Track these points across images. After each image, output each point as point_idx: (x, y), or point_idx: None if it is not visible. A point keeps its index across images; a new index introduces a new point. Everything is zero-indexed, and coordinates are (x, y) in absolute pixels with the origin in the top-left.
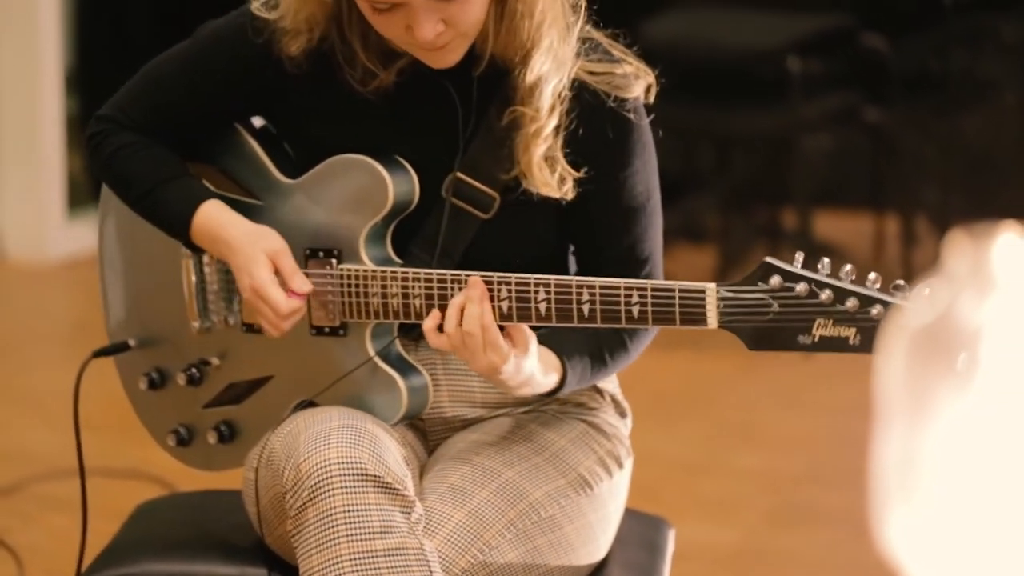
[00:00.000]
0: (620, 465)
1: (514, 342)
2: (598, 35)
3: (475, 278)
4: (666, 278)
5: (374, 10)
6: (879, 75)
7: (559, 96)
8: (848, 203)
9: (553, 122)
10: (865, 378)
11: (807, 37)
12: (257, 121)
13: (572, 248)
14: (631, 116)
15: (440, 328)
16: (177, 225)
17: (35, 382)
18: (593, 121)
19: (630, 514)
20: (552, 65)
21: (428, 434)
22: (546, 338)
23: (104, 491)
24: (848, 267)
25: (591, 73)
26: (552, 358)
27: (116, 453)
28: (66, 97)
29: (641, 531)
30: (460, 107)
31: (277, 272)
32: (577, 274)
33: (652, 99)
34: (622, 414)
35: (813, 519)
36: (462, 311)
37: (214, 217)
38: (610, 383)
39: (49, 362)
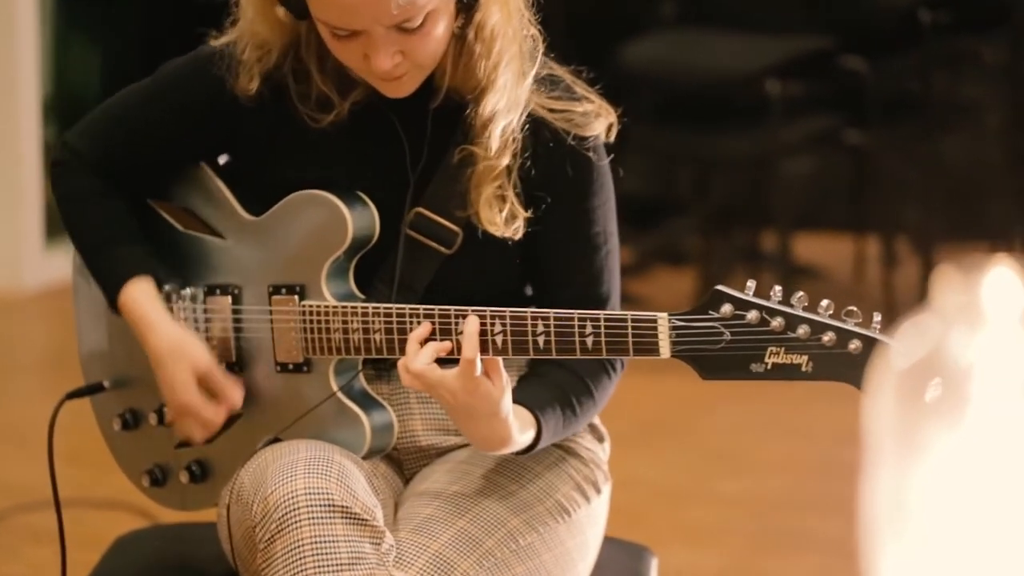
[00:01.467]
0: (598, 490)
1: (491, 378)
2: (561, 71)
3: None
4: (646, 304)
5: (333, 36)
6: (859, 98)
7: (511, 135)
8: (829, 225)
9: (504, 161)
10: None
11: (787, 60)
12: (222, 157)
13: (530, 290)
14: (591, 155)
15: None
16: (105, 290)
17: (12, 413)
18: (551, 158)
19: (613, 542)
20: (504, 105)
21: (403, 464)
22: (517, 392)
23: (84, 522)
24: (800, 294)
25: (550, 110)
26: (525, 414)
27: (95, 483)
28: (44, 125)
29: (624, 560)
30: (406, 141)
31: (204, 384)
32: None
33: (613, 138)
34: (599, 439)
35: (797, 545)
36: (419, 345)
37: (137, 307)
38: None
39: (26, 393)
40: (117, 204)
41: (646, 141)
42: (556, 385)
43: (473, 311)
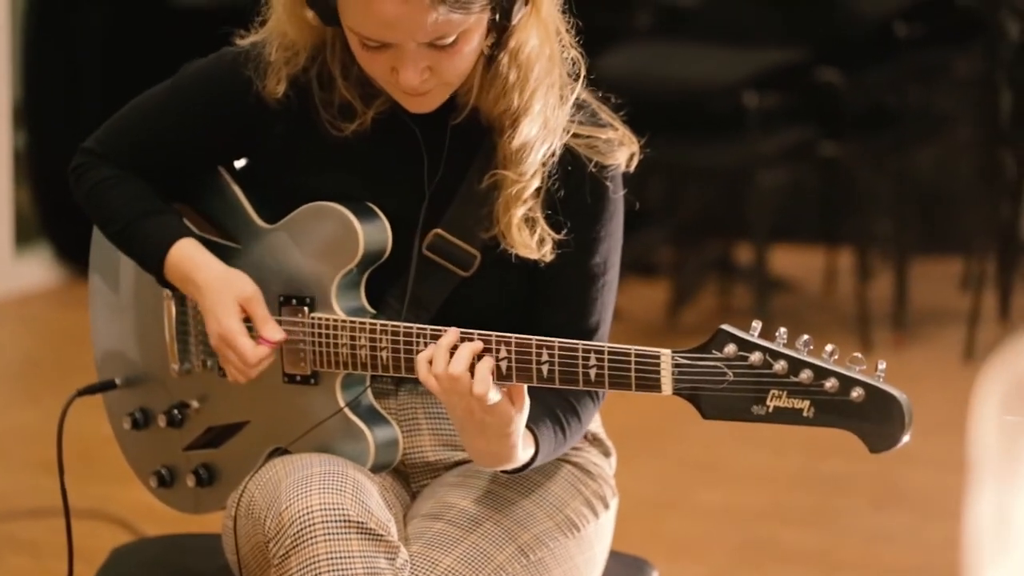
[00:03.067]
0: (606, 505)
1: (512, 400)
2: (587, 96)
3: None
4: (617, 313)
5: (363, 46)
6: (834, 110)
7: (544, 160)
8: (802, 238)
9: (535, 184)
10: None
11: (763, 72)
12: (239, 161)
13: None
14: (608, 184)
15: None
16: (151, 261)
17: None
18: (573, 183)
19: (612, 555)
20: (539, 130)
21: (410, 478)
22: None
23: (63, 531)
24: (805, 337)
25: (575, 135)
26: (525, 432)
27: (76, 493)
28: (14, 131)
29: (624, 573)
30: (427, 157)
31: (247, 318)
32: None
33: (633, 168)
34: (606, 453)
35: (780, 557)
36: (449, 352)
37: (187, 257)
38: (593, 422)
39: (0, 402)
40: (143, 185)
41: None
42: (548, 405)
43: (479, 335)
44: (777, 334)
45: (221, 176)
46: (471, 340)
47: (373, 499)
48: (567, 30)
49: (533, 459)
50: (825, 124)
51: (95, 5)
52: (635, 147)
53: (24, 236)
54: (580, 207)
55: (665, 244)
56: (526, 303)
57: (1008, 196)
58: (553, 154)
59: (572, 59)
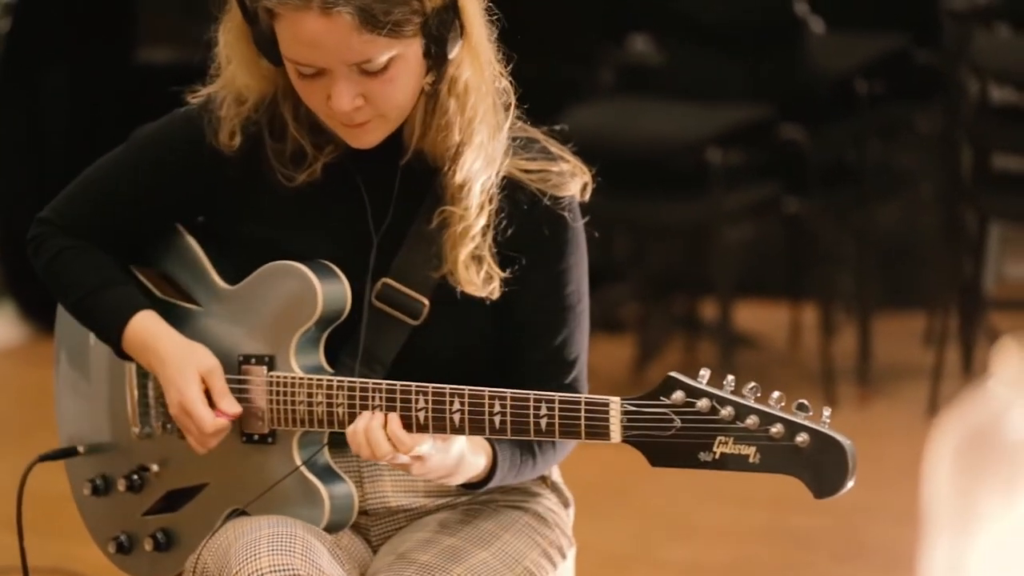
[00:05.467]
0: (563, 556)
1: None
2: (535, 132)
3: (364, 413)
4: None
5: (299, 76)
6: (798, 166)
7: (488, 194)
8: (767, 293)
9: (481, 221)
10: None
11: (727, 128)
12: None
13: (502, 348)
14: (566, 215)
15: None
16: (109, 332)
17: None
18: (527, 219)
19: None
20: (482, 163)
21: (371, 530)
22: None
23: None
24: (752, 384)
25: (526, 171)
26: (481, 440)
27: (39, 551)
28: None
29: None
30: (368, 202)
31: (207, 390)
32: (501, 377)
33: (587, 197)
34: (565, 504)
35: None
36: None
37: (147, 328)
38: (553, 471)
39: None
40: (101, 256)
41: (586, 207)
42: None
43: (433, 388)
44: (725, 381)
45: (181, 236)
46: (373, 410)
47: (323, 557)
48: (497, 59)
49: (493, 468)
50: (788, 180)
51: (61, 60)
52: (587, 177)
53: None
54: (541, 243)
55: (631, 300)
56: (495, 345)
57: (970, 252)
58: (498, 187)
59: (504, 89)
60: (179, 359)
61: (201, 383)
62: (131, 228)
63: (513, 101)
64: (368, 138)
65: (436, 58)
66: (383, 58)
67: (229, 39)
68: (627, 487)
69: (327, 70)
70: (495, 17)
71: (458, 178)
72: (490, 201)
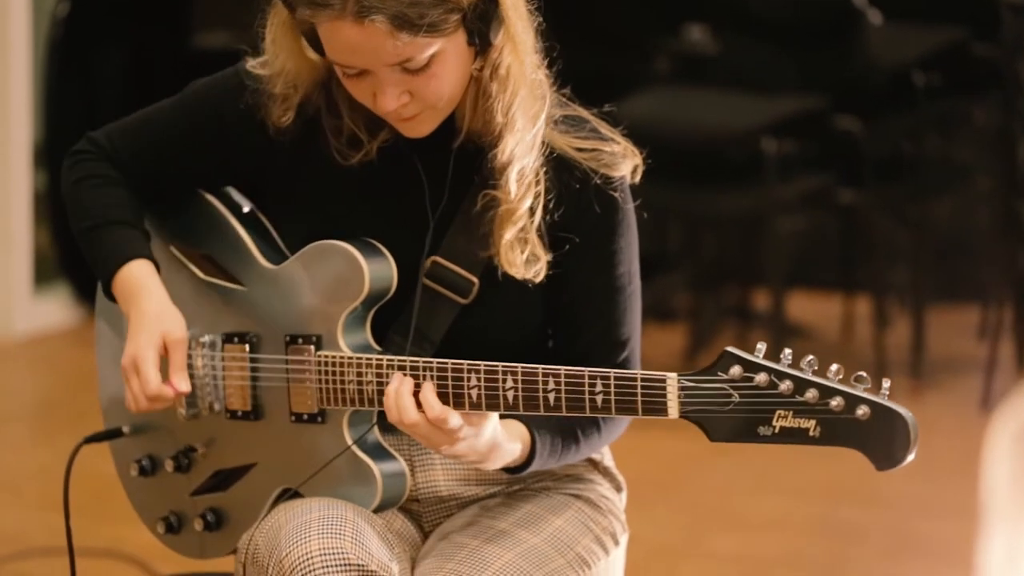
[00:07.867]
0: (616, 542)
1: (468, 420)
2: (585, 113)
3: (396, 373)
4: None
5: (344, 75)
6: (852, 157)
7: (533, 176)
8: (820, 284)
9: (527, 203)
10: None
11: (782, 119)
12: (245, 205)
13: (550, 330)
14: (617, 195)
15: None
16: (105, 267)
17: (3, 462)
18: (578, 199)
19: None
20: (523, 147)
21: (423, 516)
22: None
23: (80, 572)
24: (810, 357)
25: (578, 150)
26: (518, 426)
27: (89, 533)
28: (35, 172)
29: None
30: (427, 184)
31: (166, 356)
32: (552, 357)
33: (638, 179)
34: (617, 488)
35: None
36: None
37: (138, 278)
38: (605, 456)
39: (16, 441)
40: (128, 194)
41: (640, 196)
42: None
43: (486, 367)
44: (782, 355)
45: (224, 217)
46: (406, 375)
47: (373, 541)
48: (536, 48)
49: (532, 454)
50: (843, 172)
51: (117, 45)
52: (638, 159)
53: (43, 276)
54: (593, 223)
55: (683, 290)
56: (545, 325)
57: None
58: (544, 168)
59: (540, 80)
60: (153, 318)
61: (162, 349)
62: (172, 173)
63: (550, 91)
64: (421, 128)
65: (481, 46)
66: (424, 56)
67: (277, 35)
68: (677, 479)
69: (370, 70)
70: (537, 6)
71: (500, 161)
72: (537, 183)
